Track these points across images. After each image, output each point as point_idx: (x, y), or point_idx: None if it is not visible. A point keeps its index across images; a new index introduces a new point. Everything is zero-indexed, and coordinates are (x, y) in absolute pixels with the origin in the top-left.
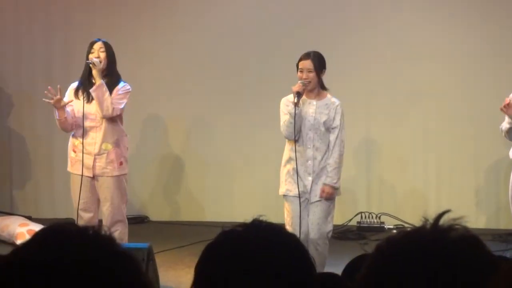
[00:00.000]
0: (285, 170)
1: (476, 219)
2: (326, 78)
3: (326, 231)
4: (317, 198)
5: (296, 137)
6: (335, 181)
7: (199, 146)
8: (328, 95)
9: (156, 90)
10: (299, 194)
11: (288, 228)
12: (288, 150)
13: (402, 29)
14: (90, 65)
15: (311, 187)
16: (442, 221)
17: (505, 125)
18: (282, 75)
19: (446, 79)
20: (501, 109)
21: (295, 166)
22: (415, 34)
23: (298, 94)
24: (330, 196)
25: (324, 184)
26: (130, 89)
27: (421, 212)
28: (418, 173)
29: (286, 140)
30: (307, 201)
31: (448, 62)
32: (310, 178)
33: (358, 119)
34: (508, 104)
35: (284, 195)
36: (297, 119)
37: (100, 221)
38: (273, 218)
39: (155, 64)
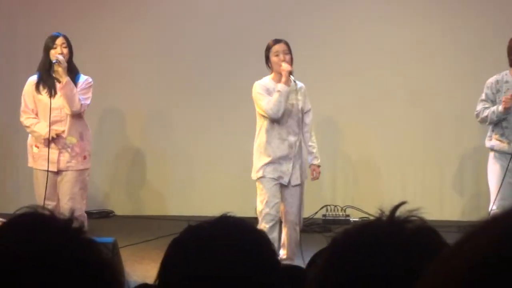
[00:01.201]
0: (264, 156)
1: (441, 211)
2: (296, 67)
3: (302, 213)
4: (298, 182)
5: (280, 117)
6: (319, 160)
7: (159, 139)
8: (292, 78)
9: (114, 83)
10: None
11: (262, 207)
12: (265, 136)
13: (379, 22)
14: (56, 63)
15: (292, 170)
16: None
17: (494, 109)
18: (243, 67)
19: (412, 72)
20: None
21: (279, 153)
22: (391, 28)
23: (290, 73)
24: (319, 175)
25: (313, 165)
26: (92, 82)
27: (387, 205)
28: (383, 166)
29: (263, 126)
30: (283, 185)
31: (414, 55)
32: (290, 164)
33: (325, 112)
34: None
35: (260, 177)
36: (286, 97)
37: None
38: (237, 210)
39: (113, 56)
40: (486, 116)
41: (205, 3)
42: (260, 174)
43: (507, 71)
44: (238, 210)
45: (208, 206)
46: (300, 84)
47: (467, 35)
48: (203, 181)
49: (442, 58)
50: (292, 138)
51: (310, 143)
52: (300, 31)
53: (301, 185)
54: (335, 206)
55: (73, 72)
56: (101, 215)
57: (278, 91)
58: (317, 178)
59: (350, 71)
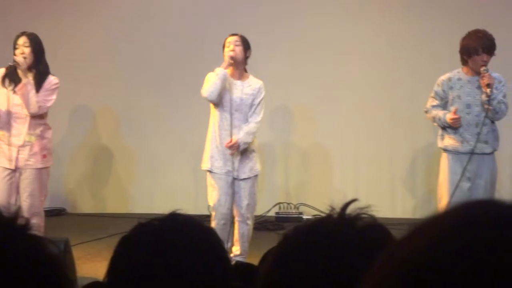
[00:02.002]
0: (212, 146)
1: (393, 209)
2: (251, 64)
3: (255, 207)
4: (246, 175)
5: (216, 100)
6: (245, 140)
7: (128, 137)
8: (251, 76)
9: (84, 80)
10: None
11: (213, 204)
12: (214, 128)
13: (340, 18)
14: (14, 64)
15: (239, 164)
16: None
17: (441, 116)
18: (211, 67)
19: (364, 71)
20: (450, 121)
21: (223, 143)
22: (337, 25)
23: (233, 59)
24: (234, 147)
25: (237, 139)
26: (58, 84)
27: (339, 203)
28: (337, 163)
29: (213, 118)
30: (233, 179)
31: (371, 52)
32: (238, 156)
33: (277, 109)
34: (457, 120)
35: (210, 171)
36: (222, 79)
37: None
38: (200, 207)
39: (81, 53)
40: (433, 117)
41: (171, 2)
42: (208, 165)
43: (460, 69)
44: (203, 208)
45: (170, 204)
46: (256, 81)
47: (425, 34)
48: (166, 181)
49: (398, 56)
50: (235, 131)
51: (244, 127)
52: (261, 27)
53: (251, 178)
54: (288, 203)
55: (41, 73)
56: (57, 213)
57: (218, 74)
58: (229, 147)
59: (307, 68)
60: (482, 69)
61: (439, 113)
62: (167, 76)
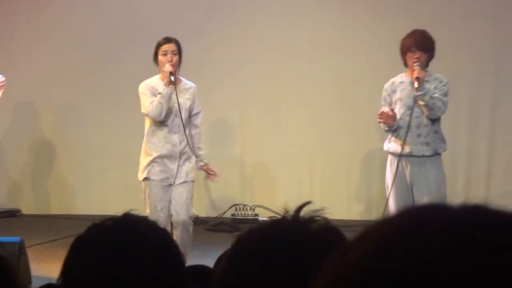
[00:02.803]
0: (148, 156)
1: (349, 211)
2: (195, 68)
3: (193, 212)
4: (183, 180)
5: (163, 118)
6: (207, 160)
7: (70, 134)
8: (183, 80)
9: (25, 76)
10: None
11: (149, 212)
12: (151, 136)
13: (278, 24)
14: None
15: (177, 169)
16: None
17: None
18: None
19: (318, 72)
20: (379, 121)
21: (163, 152)
22: (290, 29)
23: (171, 74)
24: (217, 173)
25: (204, 166)
26: (5, 81)
27: (295, 204)
28: (292, 165)
29: (148, 124)
30: (170, 186)
31: (320, 55)
32: (176, 164)
33: (231, 109)
34: (382, 114)
35: (146, 179)
36: (168, 99)
37: None
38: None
39: (26, 50)
40: (383, 126)
41: (115, 2)
42: (144, 175)
43: (403, 73)
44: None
45: (116, 206)
46: (190, 84)
47: (381, 36)
48: (112, 180)
49: (354, 58)
50: (176, 138)
51: (198, 145)
52: (200, 30)
53: (187, 183)
54: (244, 205)
55: None
56: (9, 214)
57: (159, 93)
58: (215, 175)
59: (254, 70)
60: (415, 64)
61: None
62: (112, 76)
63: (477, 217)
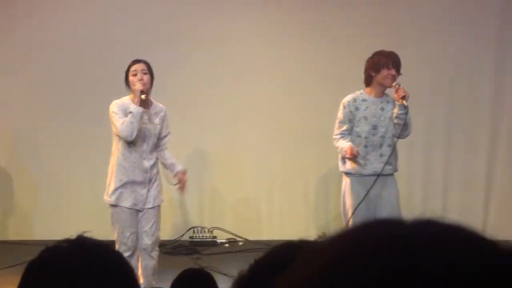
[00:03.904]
0: (118, 180)
1: (306, 230)
2: (160, 87)
3: (159, 238)
4: (151, 205)
5: (134, 139)
6: (182, 166)
7: (26, 160)
8: (154, 102)
9: None
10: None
11: (116, 237)
12: (121, 159)
13: (237, 42)
14: None
15: (146, 194)
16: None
17: (339, 146)
18: (112, 91)
19: (278, 93)
20: (348, 158)
21: (133, 177)
22: (249, 48)
23: (142, 93)
24: (186, 181)
25: (179, 172)
26: None
27: (253, 225)
28: (250, 187)
29: (117, 148)
30: (137, 210)
31: (279, 75)
32: (146, 188)
33: (190, 130)
34: (352, 153)
35: (114, 205)
36: (139, 119)
37: None
38: (104, 234)
39: None
40: (338, 147)
41: (70, 21)
42: (112, 200)
43: (362, 90)
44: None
45: (75, 230)
46: (160, 107)
47: (337, 57)
48: (69, 205)
49: (310, 78)
50: (146, 163)
51: (167, 156)
52: (161, 53)
53: (155, 208)
54: (202, 227)
55: None
56: None
57: (130, 112)
58: (184, 186)
59: (211, 90)
60: (394, 83)
61: (341, 145)
62: (70, 99)
63: (426, 235)
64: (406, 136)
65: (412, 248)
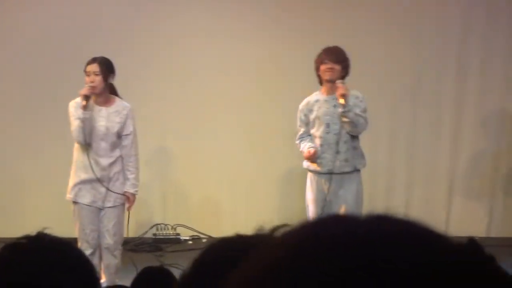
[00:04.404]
0: (76, 175)
1: (270, 226)
2: (120, 85)
3: (122, 237)
4: (111, 204)
5: (87, 141)
6: (137, 188)
7: None
8: (117, 100)
9: None
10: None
11: (78, 234)
12: (80, 156)
13: (203, 39)
14: None
15: (106, 193)
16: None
17: (300, 148)
18: (73, 88)
19: (242, 90)
20: (307, 159)
21: (92, 175)
22: (212, 48)
23: (86, 97)
24: (133, 203)
25: (127, 192)
26: None
27: (216, 223)
28: (213, 184)
29: (78, 146)
30: (99, 209)
31: (244, 73)
32: (103, 186)
33: (153, 127)
34: (308, 155)
35: (74, 202)
36: (87, 123)
37: None
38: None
39: None
40: (301, 151)
41: (31, 20)
42: (72, 196)
43: (318, 91)
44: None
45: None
46: (124, 104)
47: (303, 53)
48: (32, 201)
49: (274, 77)
50: (104, 161)
51: (129, 168)
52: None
53: (117, 207)
54: (165, 224)
55: None
56: None
57: (79, 118)
58: (130, 208)
59: (176, 90)
60: (338, 81)
61: (301, 146)
62: (31, 97)
63: (378, 232)
64: (358, 133)
65: (364, 245)
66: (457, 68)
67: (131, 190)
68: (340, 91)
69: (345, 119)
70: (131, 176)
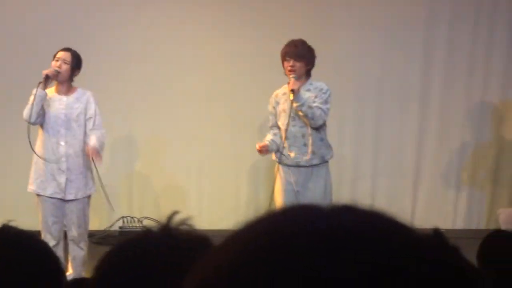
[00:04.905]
0: (37, 167)
1: (236, 220)
2: (85, 75)
3: (87, 229)
4: (73, 197)
5: (34, 121)
6: (98, 146)
7: None
8: (78, 89)
9: None
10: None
11: (41, 227)
12: (39, 146)
13: (161, 34)
14: None
15: (66, 185)
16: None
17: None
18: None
19: (209, 81)
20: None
21: (53, 165)
22: (174, 39)
23: (47, 77)
24: (95, 153)
25: (88, 147)
26: None
27: (184, 215)
28: (180, 176)
29: (38, 136)
30: (62, 201)
31: (210, 64)
32: (64, 176)
33: (118, 117)
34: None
35: (35, 192)
36: (38, 102)
37: None
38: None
39: None
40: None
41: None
42: (34, 188)
43: (286, 84)
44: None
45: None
46: (84, 92)
47: (267, 44)
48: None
49: (240, 68)
50: (63, 150)
51: (100, 138)
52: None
53: (80, 200)
54: (132, 217)
55: None
56: None
57: (33, 94)
58: (97, 159)
59: (142, 78)
60: (290, 76)
61: (268, 138)
62: None
63: (341, 224)
64: (316, 125)
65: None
66: (423, 60)
67: (90, 141)
68: (289, 86)
69: (300, 113)
70: (99, 143)
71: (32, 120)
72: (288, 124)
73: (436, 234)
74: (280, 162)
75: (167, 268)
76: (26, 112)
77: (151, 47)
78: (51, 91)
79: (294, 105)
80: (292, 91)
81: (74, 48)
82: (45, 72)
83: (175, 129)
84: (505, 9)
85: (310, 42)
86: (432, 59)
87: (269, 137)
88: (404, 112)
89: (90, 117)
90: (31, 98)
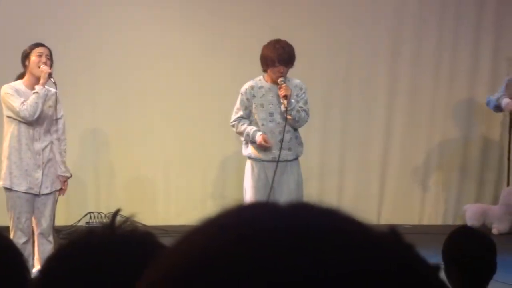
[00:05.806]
0: (10, 162)
1: (202, 215)
2: (54, 68)
3: (53, 221)
4: (49, 190)
5: (35, 119)
6: (69, 174)
7: None
8: (47, 87)
9: None
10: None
11: (12, 223)
12: (13, 142)
13: (132, 27)
14: None
15: (42, 179)
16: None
17: (250, 132)
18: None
19: (177, 75)
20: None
21: (27, 161)
22: (144, 32)
23: (50, 75)
24: (66, 188)
25: (62, 176)
26: None
27: (151, 211)
28: (147, 171)
29: (9, 131)
30: (33, 195)
31: (179, 58)
32: (40, 171)
33: (85, 111)
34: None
35: (8, 189)
36: (43, 100)
37: None
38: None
39: None
40: (242, 132)
41: None
42: (7, 184)
43: (261, 77)
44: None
45: None
46: (52, 89)
47: (234, 40)
48: None
49: (210, 62)
50: (38, 145)
51: (61, 153)
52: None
53: (53, 193)
54: (99, 213)
55: None
56: None
57: (36, 92)
58: (63, 193)
59: (109, 71)
60: (279, 80)
61: (248, 129)
62: None
63: (298, 224)
64: (299, 127)
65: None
66: (389, 52)
67: (68, 174)
68: (282, 92)
69: (289, 117)
70: (64, 159)
71: (35, 118)
72: (265, 119)
73: (392, 231)
74: (253, 158)
75: (111, 266)
76: (31, 110)
77: (120, 38)
78: (19, 84)
79: (289, 117)
80: (285, 96)
81: (41, 41)
82: (48, 70)
83: (144, 123)
84: (471, 2)
85: (277, 36)
86: (399, 52)
87: (251, 128)
88: (371, 106)
89: (60, 118)
90: (34, 96)
